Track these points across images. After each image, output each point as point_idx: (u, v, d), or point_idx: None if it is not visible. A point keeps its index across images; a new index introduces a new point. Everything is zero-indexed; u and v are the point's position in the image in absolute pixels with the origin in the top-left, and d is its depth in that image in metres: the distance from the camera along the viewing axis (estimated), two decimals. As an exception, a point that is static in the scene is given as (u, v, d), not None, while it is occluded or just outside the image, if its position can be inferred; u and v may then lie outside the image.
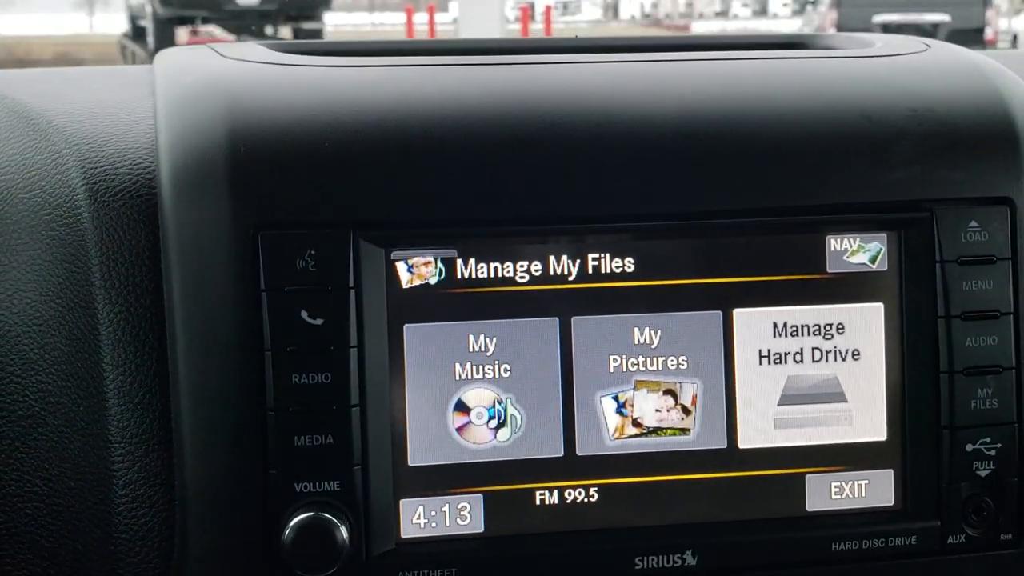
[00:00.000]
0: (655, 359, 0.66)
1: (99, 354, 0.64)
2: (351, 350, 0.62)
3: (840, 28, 10.56)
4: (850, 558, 0.66)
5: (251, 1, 12.00)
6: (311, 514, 0.61)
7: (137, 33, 13.72)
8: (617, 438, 0.66)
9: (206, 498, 0.63)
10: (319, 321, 0.62)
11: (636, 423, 0.66)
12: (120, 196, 0.66)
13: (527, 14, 14.17)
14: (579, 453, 0.65)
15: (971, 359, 0.67)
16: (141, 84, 0.77)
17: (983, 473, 0.67)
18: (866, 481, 0.68)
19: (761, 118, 0.67)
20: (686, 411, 0.66)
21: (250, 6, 12.06)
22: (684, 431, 0.66)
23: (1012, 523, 0.68)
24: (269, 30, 12.25)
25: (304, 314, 0.62)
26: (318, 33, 13.25)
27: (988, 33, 11.33)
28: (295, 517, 0.61)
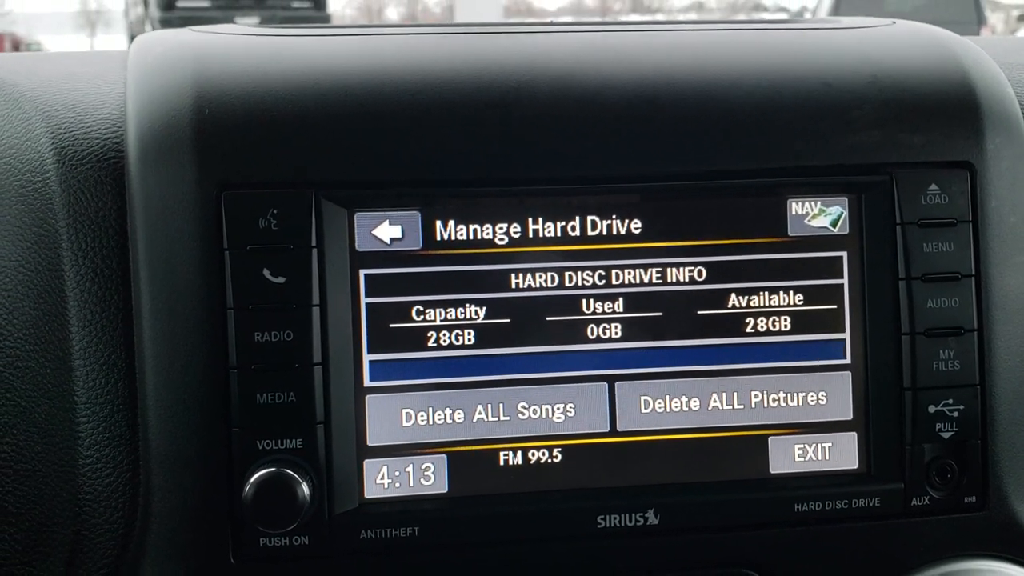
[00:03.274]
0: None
1: (66, 316, 0.65)
2: (313, 308, 0.63)
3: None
4: (813, 519, 0.67)
5: (250, 21, 12.07)
6: (272, 470, 0.61)
7: (138, 54, 13.70)
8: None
9: (170, 456, 0.63)
10: (281, 280, 0.62)
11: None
12: (88, 160, 0.66)
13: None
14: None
15: (932, 321, 0.67)
16: (116, 60, 0.78)
17: (946, 435, 0.67)
18: (829, 444, 0.68)
19: (720, 83, 0.67)
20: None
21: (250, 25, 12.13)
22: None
23: (976, 486, 0.68)
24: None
25: (267, 272, 0.62)
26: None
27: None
28: (256, 473, 0.61)
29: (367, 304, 0.64)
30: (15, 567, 0.61)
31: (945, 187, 0.68)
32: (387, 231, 0.64)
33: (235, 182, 0.63)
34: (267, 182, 0.63)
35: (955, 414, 0.67)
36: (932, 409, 0.67)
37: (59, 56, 0.84)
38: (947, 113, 0.69)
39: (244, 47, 0.69)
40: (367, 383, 0.64)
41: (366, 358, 0.64)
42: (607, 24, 0.82)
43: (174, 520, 0.63)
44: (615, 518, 0.65)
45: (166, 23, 11.84)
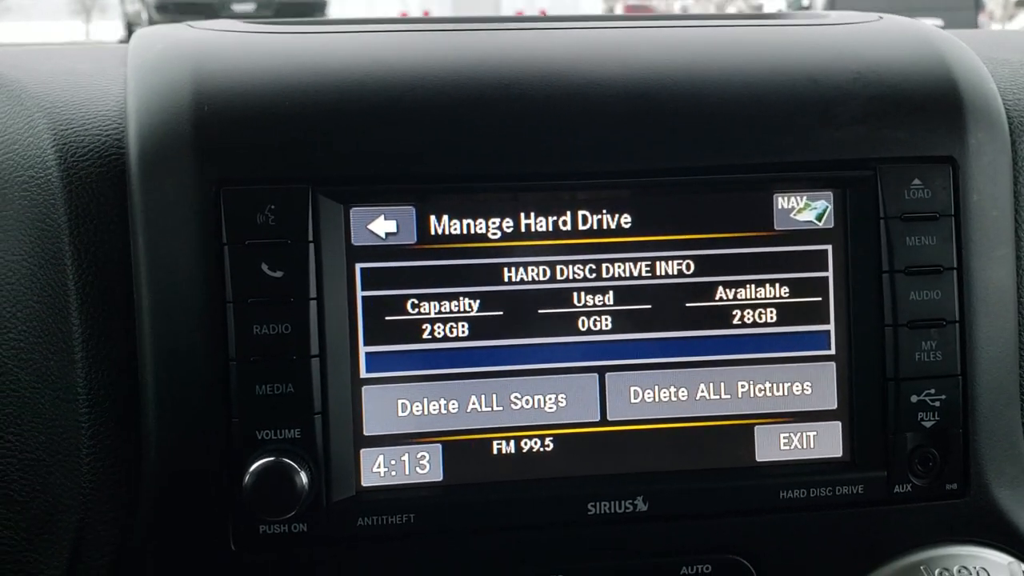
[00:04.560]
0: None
1: (68, 309, 0.66)
2: (311, 302, 0.64)
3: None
4: (798, 506, 0.68)
5: (247, 8, 12.02)
6: (271, 459, 0.63)
7: (133, 41, 13.66)
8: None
9: (171, 446, 0.64)
10: (279, 273, 0.64)
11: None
12: (89, 157, 0.68)
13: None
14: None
15: (915, 312, 0.69)
16: (115, 56, 0.79)
17: (928, 424, 0.69)
18: (814, 433, 0.70)
19: (708, 80, 0.69)
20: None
21: (246, 13, 12.07)
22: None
23: (957, 473, 0.70)
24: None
25: (264, 267, 0.64)
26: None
27: (981, 37, 11.32)
28: (256, 463, 0.63)
29: (363, 297, 0.66)
30: (22, 553, 0.63)
31: (928, 182, 0.69)
32: (382, 226, 0.66)
33: (234, 178, 0.64)
34: (265, 178, 0.64)
35: (937, 403, 0.69)
36: (914, 399, 0.69)
37: (60, 51, 0.85)
38: (930, 109, 0.70)
39: (242, 45, 0.70)
40: (363, 374, 0.66)
41: (362, 350, 0.66)
42: (597, 20, 0.83)
43: (175, 509, 0.65)
44: (605, 505, 0.67)
45: (161, 9, 11.80)
